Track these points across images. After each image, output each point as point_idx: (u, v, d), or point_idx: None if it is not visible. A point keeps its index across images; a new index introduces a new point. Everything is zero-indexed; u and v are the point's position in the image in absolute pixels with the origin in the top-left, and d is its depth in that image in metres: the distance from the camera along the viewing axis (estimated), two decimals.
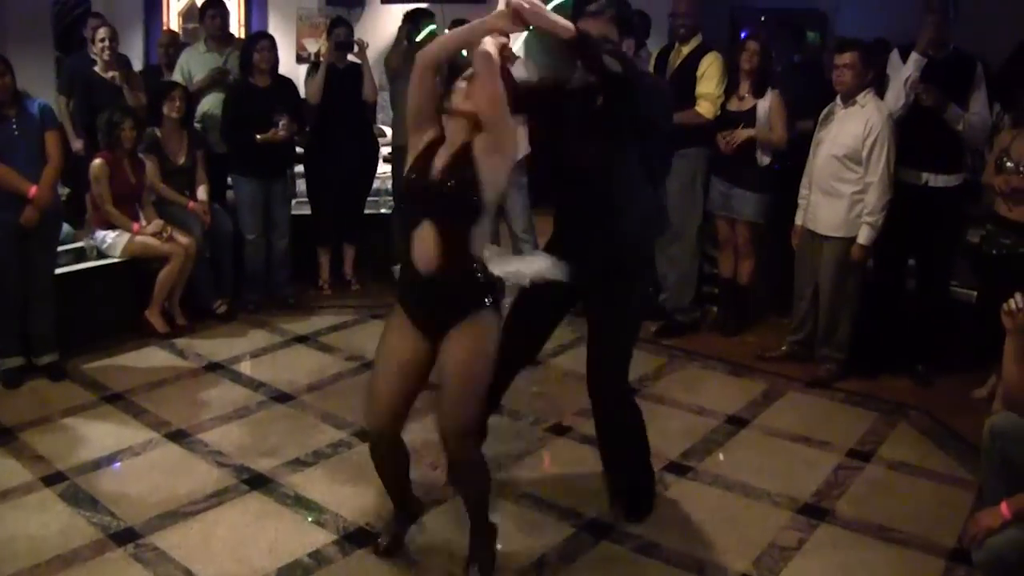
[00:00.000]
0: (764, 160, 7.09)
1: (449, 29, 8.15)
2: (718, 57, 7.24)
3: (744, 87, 7.12)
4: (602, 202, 4.42)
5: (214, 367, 6.77)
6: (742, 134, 7.00)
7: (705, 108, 7.15)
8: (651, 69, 7.44)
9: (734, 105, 7.14)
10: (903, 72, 6.24)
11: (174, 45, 9.25)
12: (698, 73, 7.19)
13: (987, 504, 4.04)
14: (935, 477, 5.36)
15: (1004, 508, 3.81)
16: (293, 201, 8.46)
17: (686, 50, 7.31)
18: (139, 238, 7.14)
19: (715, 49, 7.33)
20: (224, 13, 8.71)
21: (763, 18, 10.47)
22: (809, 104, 6.87)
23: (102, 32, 8.04)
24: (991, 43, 7.11)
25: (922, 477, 5.37)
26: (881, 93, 6.42)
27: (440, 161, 3.87)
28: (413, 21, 8.44)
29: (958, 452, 5.60)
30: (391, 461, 4.27)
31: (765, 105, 7.02)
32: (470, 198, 3.81)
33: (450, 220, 3.86)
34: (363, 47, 8.05)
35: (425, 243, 3.87)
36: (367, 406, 4.20)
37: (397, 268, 4.62)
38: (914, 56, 6.19)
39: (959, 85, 6.25)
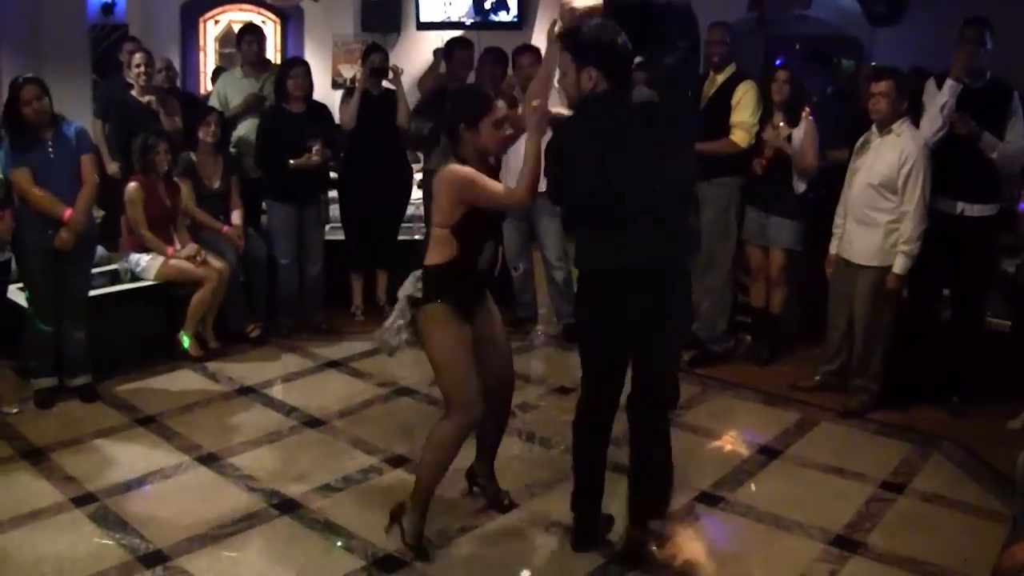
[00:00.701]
0: (800, 187, 7.06)
1: (480, 57, 8.23)
2: (753, 86, 7.21)
3: (778, 116, 7.09)
4: None
5: (246, 391, 6.79)
6: (782, 143, 6.98)
7: (740, 137, 7.13)
8: None
9: (770, 134, 7.10)
10: (939, 99, 6.20)
11: (171, 69, 9.30)
12: (732, 102, 7.18)
13: (1021, 537, 3.99)
14: (969, 509, 5.30)
15: None
16: (327, 226, 8.50)
17: (720, 79, 7.29)
18: (173, 262, 7.18)
19: (750, 77, 7.31)
20: (261, 39, 8.77)
21: (797, 46, 10.45)
22: (843, 133, 6.85)
23: (138, 57, 8.11)
24: None
25: (956, 509, 5.31)
26: (917, 121, 6.37)
27: None
28: (450, 51, 8.44)
29: (992, 484, 5.54)
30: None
31: (799, 133, 6.99)
32: None
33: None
34: (398, 73, 8.07)
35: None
36: (471, 397, 4.56)
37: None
38: (949, 83, 6.15)
39: (995, 114, 6.22)
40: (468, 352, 4.55)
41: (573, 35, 4.37)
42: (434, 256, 4.53)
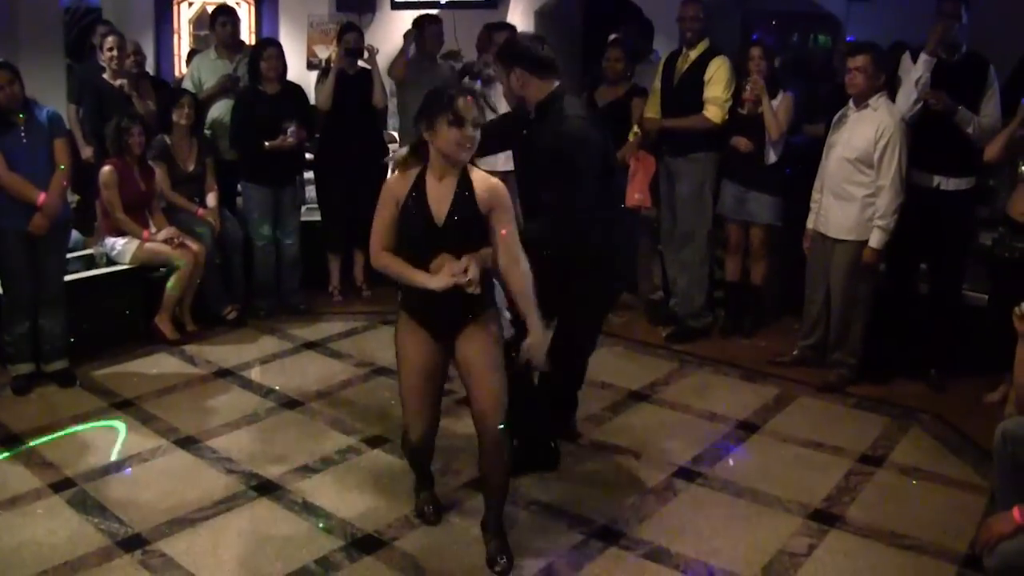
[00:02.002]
0: (771, 157, 7.08)
1: (480, 33, 8.28)
2: (725, 61, 7.20)
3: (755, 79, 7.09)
4: None
5: (223, 373, 6.77)
6: (763, 91, 7.01)
7: (713, 112, 7.12)
8: (659, 74, 7.44)
9: (746, 109, 7.11)
10: (913, 73, 6.21)
11: (139, 54, 9.24)
12: (705, 78, 7.16)
13: (999, 510, 4.01)
14: (947, 482, 5.33)
15: (1016, 514, 3.78)
16: (303, 207, 8.47)
17: (693, 55, 7.26)
18: (149, 245, 7.14)
19: (723, 53, 7.29)
20: (235, 20, 8.74)
21: (774, 21, 10.45)
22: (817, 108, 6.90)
23: (110, 40, 8.04)
24: (1010, 50, 7.06)
25: (934, 482, 5.34)
26: (893, 96, 6.38)
27: (440, 205, 4.15)
28: (419, 28, 8.43)
29: (971, 457, 5.57)
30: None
31: (776, 102, 7.01)
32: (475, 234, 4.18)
33: (461, 250, 4.13)
34: (373, 53, 8.04)
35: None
36: (408, 418, 4.47)
37: None
38: (923, 56, 6.16)
39: (972, 87, 6.23)
40: (416, 372, 4.36)
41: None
42: None
